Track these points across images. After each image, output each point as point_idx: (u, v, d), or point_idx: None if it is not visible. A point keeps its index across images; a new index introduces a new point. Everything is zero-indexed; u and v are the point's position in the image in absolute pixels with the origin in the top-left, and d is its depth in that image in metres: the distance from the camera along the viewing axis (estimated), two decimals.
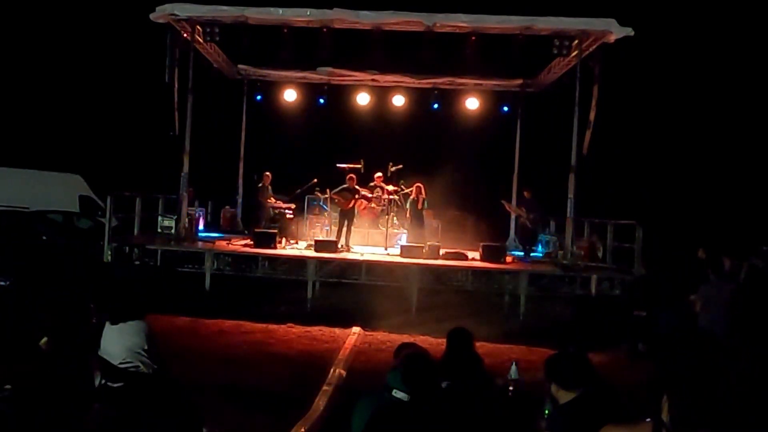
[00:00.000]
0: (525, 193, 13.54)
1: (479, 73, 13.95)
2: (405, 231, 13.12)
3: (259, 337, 8.58)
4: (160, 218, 12.01)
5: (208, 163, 13.25)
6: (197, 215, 13.39)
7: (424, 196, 12.60)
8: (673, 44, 16.94)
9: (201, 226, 13.84)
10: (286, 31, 11.19)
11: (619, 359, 7.84)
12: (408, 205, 12.98)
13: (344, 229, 12.15)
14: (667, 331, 7.59)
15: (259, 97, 15.35)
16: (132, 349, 4.27)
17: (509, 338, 8.71)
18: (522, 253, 12.86)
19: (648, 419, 2.73)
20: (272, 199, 13.58)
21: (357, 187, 12.48)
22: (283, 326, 9.20)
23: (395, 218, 13.54)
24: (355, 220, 12.94)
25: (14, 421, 4.11)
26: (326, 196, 12.95)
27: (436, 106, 14.82)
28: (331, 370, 6.82)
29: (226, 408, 5.45)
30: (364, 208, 13.64)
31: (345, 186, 12.35)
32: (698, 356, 6.80)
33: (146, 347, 4.31)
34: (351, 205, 12.24)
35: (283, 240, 11.93)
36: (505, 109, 15.05)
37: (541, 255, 12.68)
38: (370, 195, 13.52)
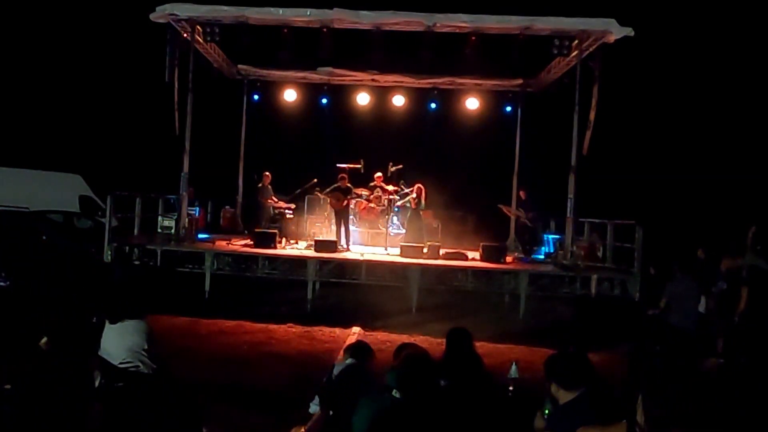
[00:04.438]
0: (520, 193, 13.53)
1: (479, 73, 13.94)
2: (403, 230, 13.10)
3: (259, 337, 8.58)
4: (160, 218, 11.98)
5: (208, 163, 13.24)
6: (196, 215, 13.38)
7: (423, 197, 12.57)
8: (673, 44, 16.93)
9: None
10: (286, 31, 11.19)
11: (622, 359, 7.83)
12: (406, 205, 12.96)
13: (342, 228, 12.15)
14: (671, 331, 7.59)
15: (258, 97, 15.36)
16: (132, 348, 4.28)
17: (509, 338, 8.73)
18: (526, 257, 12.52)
19: (623, 420, 2.71)
20: (272, 199, 13.58)
21: (349, 185, 12.46)
22: (283, 326, 9.20)
23: (395, 218, 13.54)
24: (352, 219, 12.93)
25: (14, 421, 4.11)
26: (323, 196, 12.95)
27: (435, 105, 14.83)
28: None
29: (226, 408, 5.45)
30: (364, 208, 13.63)
31: (336, 185, 12.32)
32: (672, 354, 6.81)
33: (146, 347, 4.31)
34: (344, 205, 12.19)
35: (283, 240, 11.93)
36: (506, 109, 15.05)
37: (542, 256, 12.57)
38: (366, 193, 13.51)
